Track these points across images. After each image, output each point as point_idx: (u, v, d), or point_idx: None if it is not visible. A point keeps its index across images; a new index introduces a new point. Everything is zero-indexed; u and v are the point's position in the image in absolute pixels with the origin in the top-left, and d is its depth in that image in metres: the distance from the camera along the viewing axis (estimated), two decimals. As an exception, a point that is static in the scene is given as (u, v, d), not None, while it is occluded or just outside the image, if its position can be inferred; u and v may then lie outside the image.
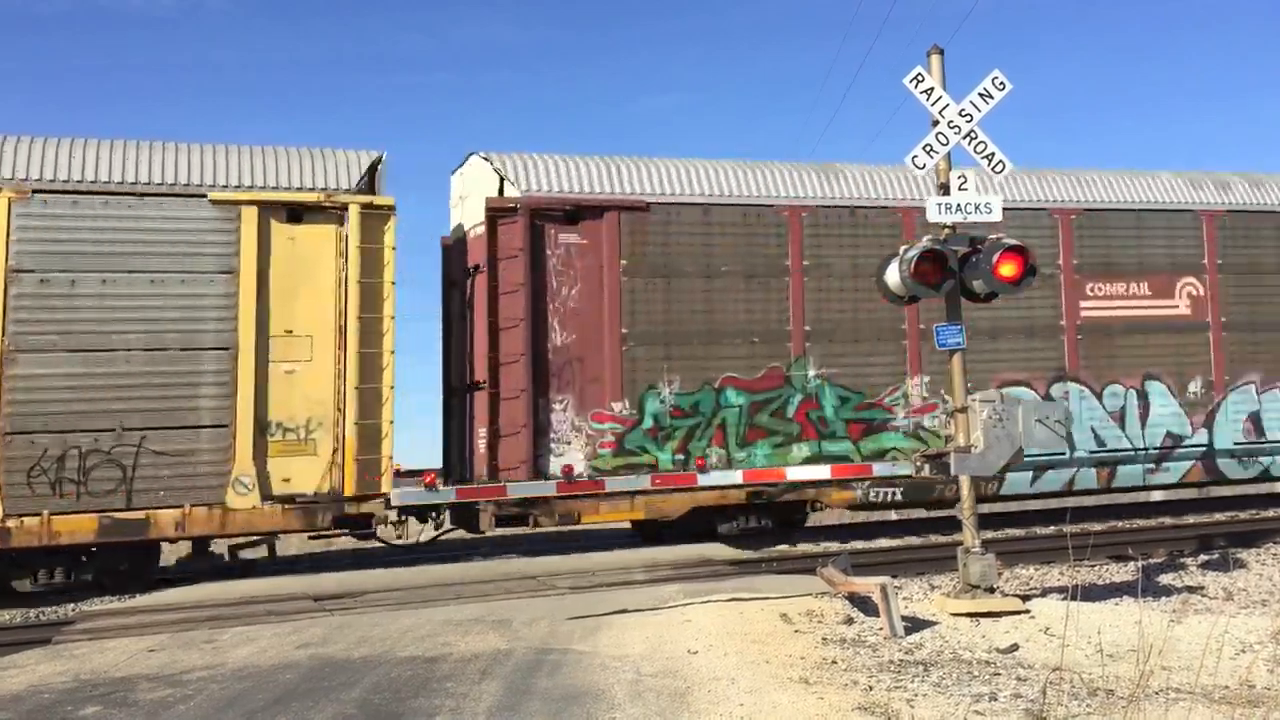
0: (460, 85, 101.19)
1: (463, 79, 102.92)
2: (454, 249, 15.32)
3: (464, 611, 9.67)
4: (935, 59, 9.49)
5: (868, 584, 8.89)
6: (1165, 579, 11.06)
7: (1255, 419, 16.55)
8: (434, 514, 14.00)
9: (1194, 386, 16.30)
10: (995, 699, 6.18)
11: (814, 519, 18.80)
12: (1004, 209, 9.48)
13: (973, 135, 9.32)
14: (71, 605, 11.96)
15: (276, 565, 14.53)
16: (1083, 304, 15.98)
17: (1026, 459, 9.79)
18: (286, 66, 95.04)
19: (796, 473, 14.30)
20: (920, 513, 17.74)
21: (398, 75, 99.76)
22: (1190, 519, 16.18)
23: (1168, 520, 16.10)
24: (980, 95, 9.32)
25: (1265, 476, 16.89)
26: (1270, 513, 16.54)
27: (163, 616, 10.15)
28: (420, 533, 14.27)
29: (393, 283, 13.42)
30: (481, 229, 14.21)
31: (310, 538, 14.54)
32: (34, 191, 12.38)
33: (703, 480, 14.03)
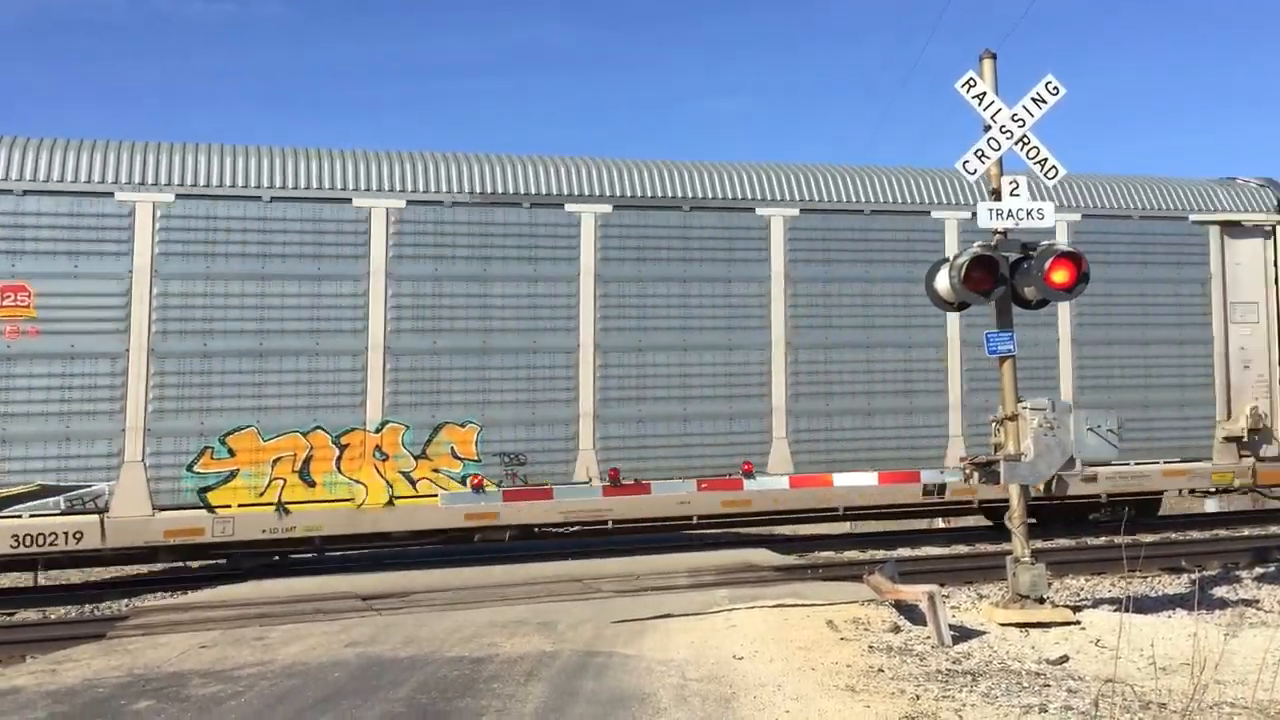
0: (508, 89, 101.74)
1: (511, 82, 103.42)
2: None
3: (509, 613, 9.71)
4: (988, 63, 9.41)
5: (915, 592, 8.82)
6: (1219, 591, 10.88)
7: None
8: None
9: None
10: (1046, 710, 6.12)
11: (856, 526, 18.71)
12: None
13: (1025, 140, 9.23)
14: (125, 601, 12.16)
15: (324, 565, 14.68)
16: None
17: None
18: (337, 70, 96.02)
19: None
20: (968, 520, 17.58)
21: (446, 80, 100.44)
22: (1245, 531, 15.89)
23: (1222, 532, 15.82)
24: (1033, 100, 9.23)
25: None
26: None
27: (214, 613, 10.28)
28: None
29: None
30: None
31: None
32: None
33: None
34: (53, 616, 11.55)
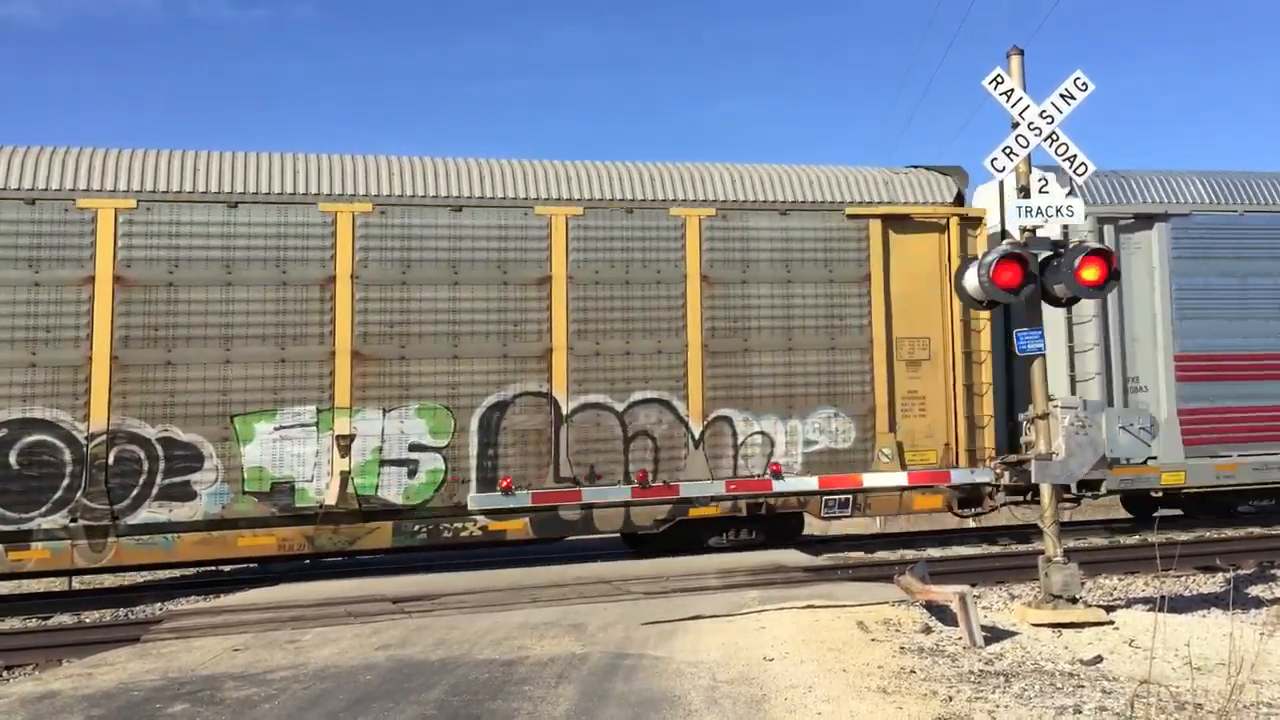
0: (540, 90, 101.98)
1: (542, 84, 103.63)
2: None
3: (540, 615, 9.73)
4: (1015, 60, 9.35)
5: (946, 592, 8.78)
6: (1255, 590, 10.76)
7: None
8: None
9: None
10: (1080, 711, 6.07)
11: (887, 525, 18.64)
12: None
13: (1054, 137, 9.17)
14: (159, 604, 12.28)
15: (354, 567, 14.76)
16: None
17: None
18: (369, 75, 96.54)
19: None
20: (997, 519, 17.46)
21: (478, 82, 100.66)
22: (1280, 529, 15.72)
23: (1257, 530, 15.66)
24: (1061, 96, 9.16)
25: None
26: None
27: (246, 616, 10.36)
28: None
29: None
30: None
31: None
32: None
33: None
34: (87, 620, 11.67)
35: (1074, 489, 13.92)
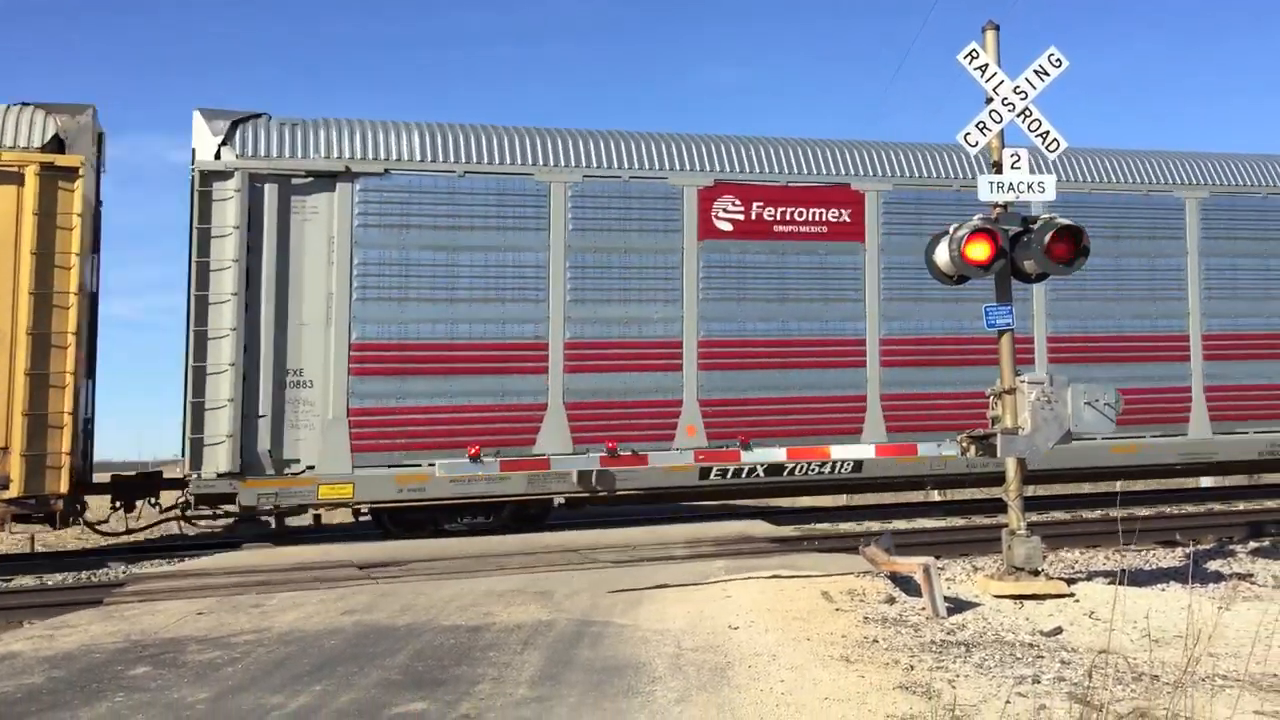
0: (523, 57, 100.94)
1: (526, 51, 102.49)
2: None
3: (506, 582, 9.74)
4: (990, 34, 9.34)
5: (910, 563, 8.85)
6: (1213, 565, 10.92)
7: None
8: None
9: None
10: (1038, 681, 6.14)
11: (853, 499, 18.77)
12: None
13: (1027, 113, 9.18)
14: (123, 567, 12.20)
15: (321, 533, 14.72)
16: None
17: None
18: (350, 41, 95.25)
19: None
20: (964, 494, 17.63)
21: (461, 48, 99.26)
22: (1240, 505, 15.95)
23: (1216, 506, 15.89)
24: (1035, 72, 9.17)
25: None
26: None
27: (210, 580, 10.32)
28: None
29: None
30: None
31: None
32: None
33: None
34: (50, 582, 11.59)
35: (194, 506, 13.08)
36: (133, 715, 5.77)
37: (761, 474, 14.44)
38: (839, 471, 14.70)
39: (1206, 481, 20.40)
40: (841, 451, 14.43)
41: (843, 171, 15.33)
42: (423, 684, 6.21)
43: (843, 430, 14.91)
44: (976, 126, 9.16)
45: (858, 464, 14.70)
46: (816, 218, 15.10)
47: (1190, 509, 15.56)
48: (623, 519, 15.60)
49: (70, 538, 15.44)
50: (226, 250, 13.07)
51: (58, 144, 12.89)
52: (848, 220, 15.21)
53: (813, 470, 14.56)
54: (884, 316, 15.29)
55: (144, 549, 14.02)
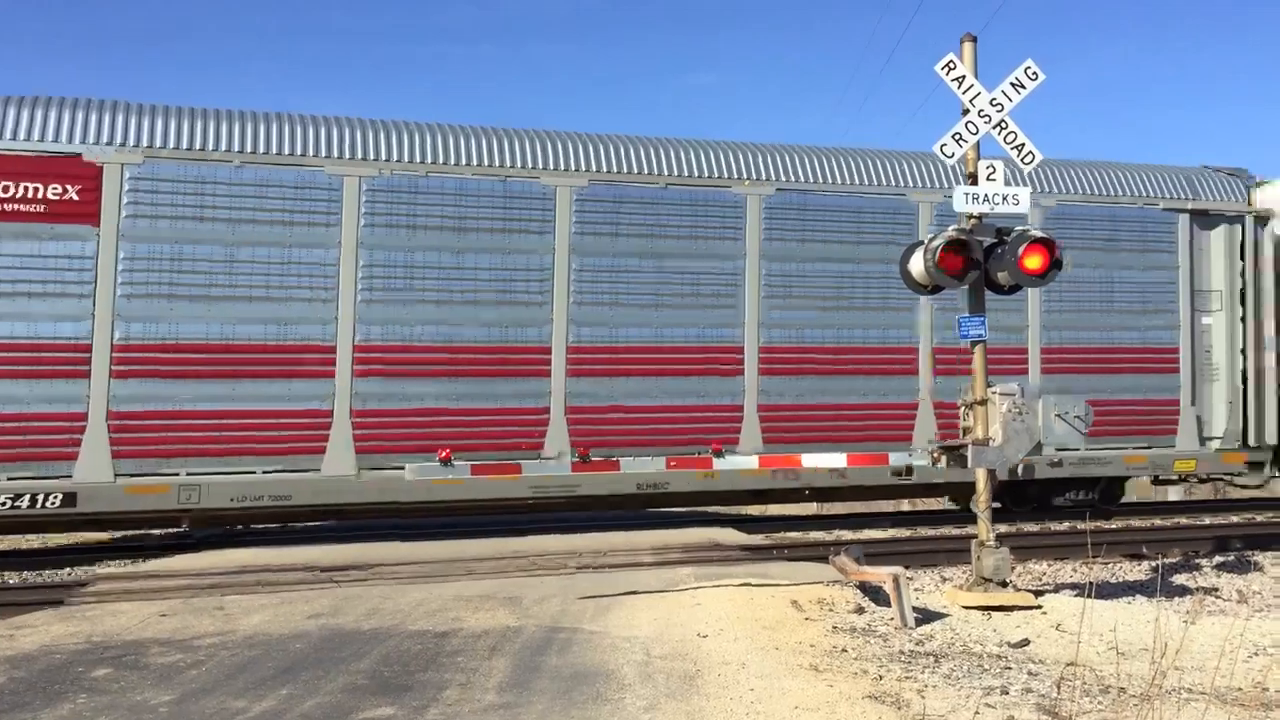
0: (507, 57, 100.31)
1: (509, 51, 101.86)
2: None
3: (475, 587, 9.67)
4: (968, 46, 9.38)
5: (880, 573, 8.85)
6: (1180, 579, 10.99)
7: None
8: None
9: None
10: (1006, 692, 6.15)
11: (829, 508, 18.79)
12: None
13: (1003, 125, 9.22)
14: (85, 568, 12.02)
15: (285, 535, 14.58)
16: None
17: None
18: (335, 35, 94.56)
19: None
20: (934, 504, 17.69)
21: (445, 45, 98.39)
22: (1206, 519, 16.07)
23: (1183, 520, 16.00)
24: (1012, 85, 9.21)
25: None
26: (1287, 516, 16.44)
27: (174, 582, 10.18)
28: None
29: None
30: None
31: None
32: None
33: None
34: (11, 581, 11.40)
35: None
36: (95, 717, 5.68)
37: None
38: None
39: (1174, 495, 20.59)
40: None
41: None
42: (389, 689, 6.14)
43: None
44: (953, 138, 9.19)
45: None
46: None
47: (1158, 522, 15.66)
48: (593, 524, 15.54)
49: (31, 538, 15.21)
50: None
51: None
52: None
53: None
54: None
55: (105, 549, 13.82)
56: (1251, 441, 16.11)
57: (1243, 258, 16.26)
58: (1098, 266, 15.76)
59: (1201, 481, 17.67)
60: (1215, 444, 16.09)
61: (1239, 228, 16.31)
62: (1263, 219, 16.37)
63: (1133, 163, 16.68)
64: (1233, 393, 16.14)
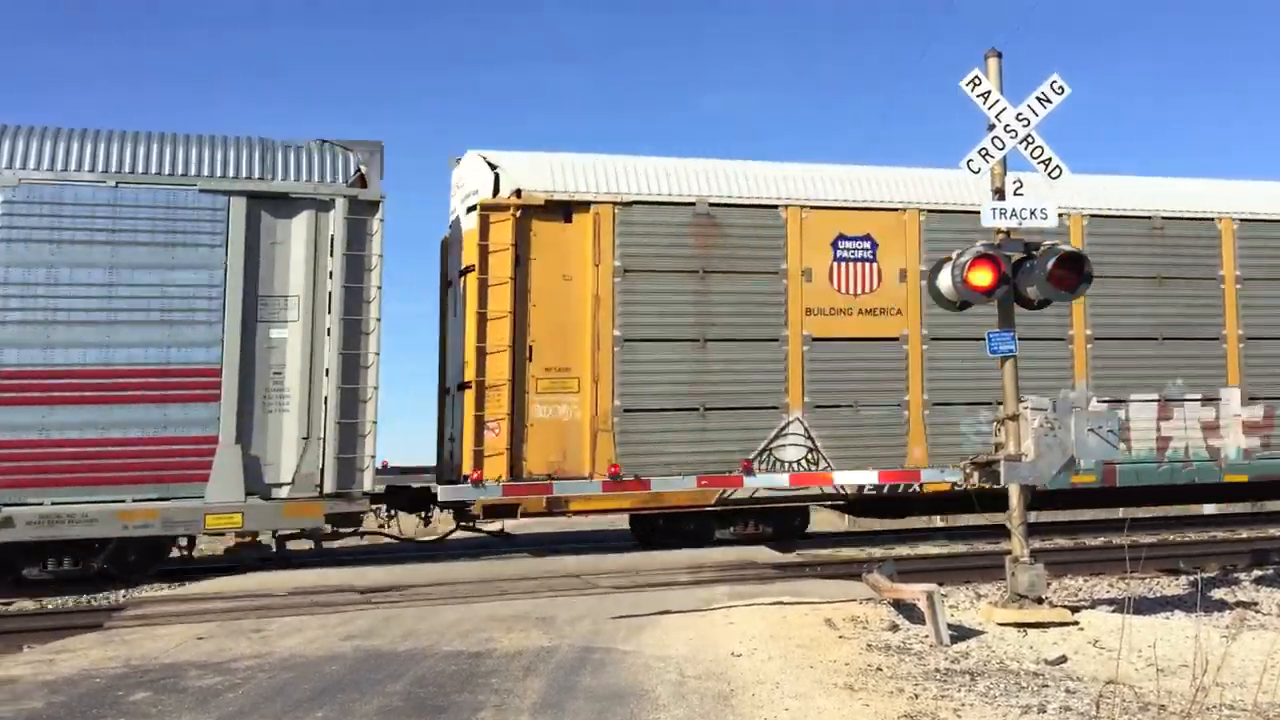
0: (516, 83, 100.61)
1: (519, 77, 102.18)
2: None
3: (509, 608, 9.70)
4: (993, 62, 9.38)
5: (914, 590, 8.81)
6: (1218, 593, 10.86)
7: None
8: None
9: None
10: (1044, 710, 6.10)
11: (856, 524, 18.72)
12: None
13: (1029, 140, 9.20)
14: (123, 591, 12.15)
15: (324, 558, 14.67)
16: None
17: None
18: (352, 61, 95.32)
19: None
20: (966, 519, 17.59)
21: (461, 69, 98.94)
22: (1244, 533, 15.90)
23: (1219, 534, 15.83)
24: (1038, 99, 9.19)
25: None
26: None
27: (211, 605, 10.28)
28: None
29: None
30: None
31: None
32: None
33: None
34: (50, 606, 11.54)
35: None
36: (132, 742, 5.74)
37: None
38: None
39: (1209, 509, 20.35)
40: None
41: None
42: (424, 711, 6.18)
43: None
44: (979, 153, 9.18)
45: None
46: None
47: (1194, 536, 15.51)
48: (630, 544, 15.55)
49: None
50: None
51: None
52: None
53: None
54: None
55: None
56: (331, 488, 12.88)
57: (332, 253, 13.13)
58: (77, 265, 12.43)
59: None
60: (284, 491, 12.82)
61: (330, 215, 13.18)
62: (367, 204, 13.26)
63: (185, 133, 13.37)
64: (311, 425, 12.91)
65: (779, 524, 15.35)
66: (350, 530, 13.66)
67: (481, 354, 13.98)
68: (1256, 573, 12.23)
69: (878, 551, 14.18)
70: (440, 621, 9.06)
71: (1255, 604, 10.32)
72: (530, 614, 9.32)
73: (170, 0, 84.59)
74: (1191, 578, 11.42)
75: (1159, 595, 10.70)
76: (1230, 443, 16.38)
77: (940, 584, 9.96)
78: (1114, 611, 8.97)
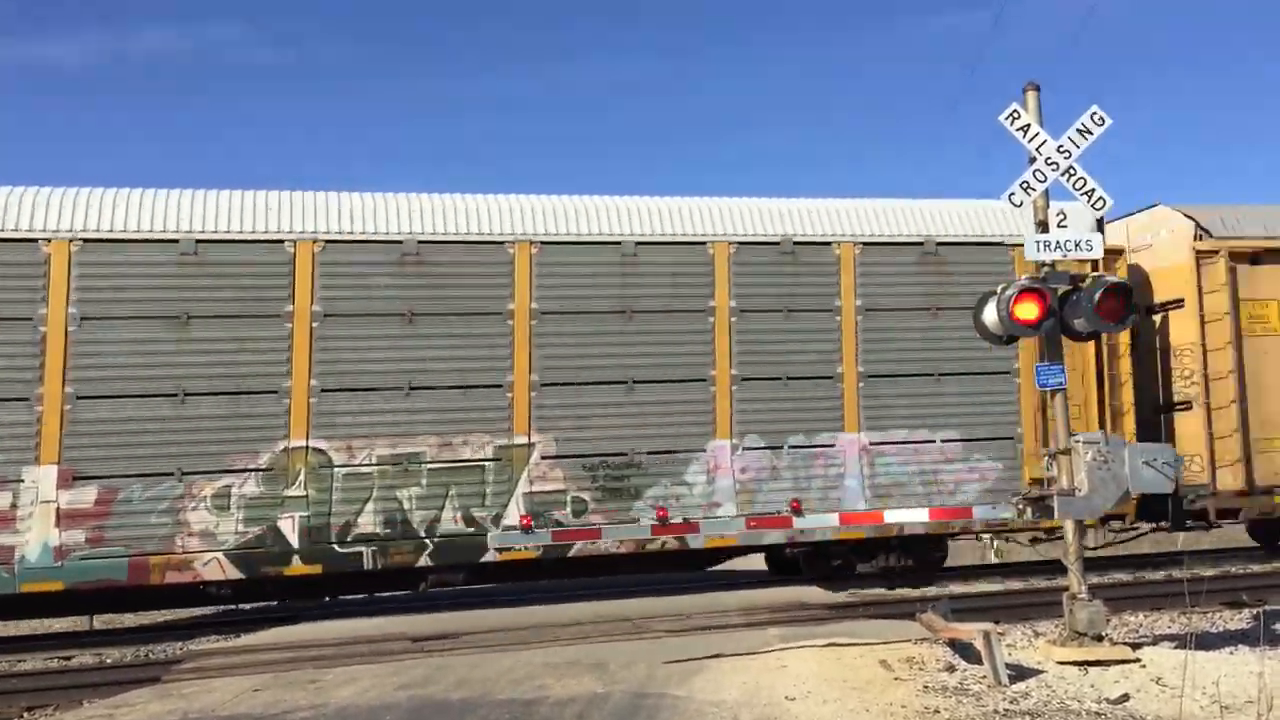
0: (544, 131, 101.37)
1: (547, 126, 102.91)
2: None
3: (561, 654, 9.69)
4: (1031, 95, 9.37)
5: (970, 630, 8.69)
6: (1283, 627, 10.62)
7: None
8: None
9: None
10: (1107, 751, 5.99)
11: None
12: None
13: (1071, 172, 9.17)
14: (179, 644, 12.27)
15: (379, 606, 14.74)
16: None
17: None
18: (390, 113, 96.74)
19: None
20: (1021, 555, 17.33)
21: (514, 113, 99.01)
22: (1308, 564, 15.54)
23: (1282, 565, 15.49)
24: (1079, 131, 9.16)
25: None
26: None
27: (267, 656, 10.35)
28: None
29: None
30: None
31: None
32: None
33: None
34: (108, 660, 11.68)
35: None
36: (193, 795, 5.78)
37: None
38: None
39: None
40: None
41: None
42: (480, 760, 6.18)
43: None
44: (1021, 186, 9.15)
45: None
46: None
47: (1256, 568, 15.18)
48: (680, 587, 15.48)
49: (128, 616, 15.56)
50: None
51: None
52: None
53: None
54: None
55: (200, 624, 14.10)
56: None
57: None
58: None
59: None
60: None
61: None
62: None
63: None
64: None
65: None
66: None
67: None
68: (1322, 604, 11.95)
69: (932, 589, 14.00)
70: (493, 669, 9.06)
71: (1322, 637, 10.08)
72: (582, 659, 9.30)
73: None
74: (1254, 610, 11.17)
75: (1222, 630, 10.48)
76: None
77: (997, 622, 9.86)
78: (1176, 647, 8.80)
